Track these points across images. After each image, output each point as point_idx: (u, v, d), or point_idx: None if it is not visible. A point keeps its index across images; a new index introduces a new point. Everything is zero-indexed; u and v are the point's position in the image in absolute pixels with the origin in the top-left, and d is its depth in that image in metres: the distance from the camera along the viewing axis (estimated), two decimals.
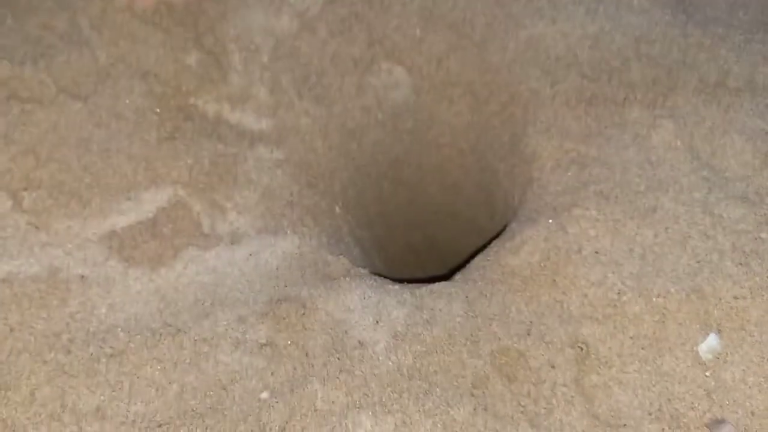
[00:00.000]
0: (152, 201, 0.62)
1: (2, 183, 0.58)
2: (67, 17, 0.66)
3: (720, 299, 0.56)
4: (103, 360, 0.53)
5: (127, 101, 0.65)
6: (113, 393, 0.52)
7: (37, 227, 0.58)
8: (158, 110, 0.65)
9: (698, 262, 0.58)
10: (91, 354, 0.53)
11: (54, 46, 0.64)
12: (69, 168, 0.61)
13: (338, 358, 0.56)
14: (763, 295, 0.56)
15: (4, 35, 0.65)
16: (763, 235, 0.59)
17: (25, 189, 0.59)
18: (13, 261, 0.56)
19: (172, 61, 0.68)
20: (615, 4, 0.73)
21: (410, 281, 0.67)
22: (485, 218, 0.85)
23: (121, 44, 0.66)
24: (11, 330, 0.53)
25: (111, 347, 0.53)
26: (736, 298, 0.56)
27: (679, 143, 0.65)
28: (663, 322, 0.56)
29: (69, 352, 0.53)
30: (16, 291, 0.55)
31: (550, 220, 0.61)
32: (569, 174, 0.65)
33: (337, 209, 0.74)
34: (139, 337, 0.54)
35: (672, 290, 0.57)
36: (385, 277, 0.69)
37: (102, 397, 0.51)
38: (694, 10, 0.76)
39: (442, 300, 0.60)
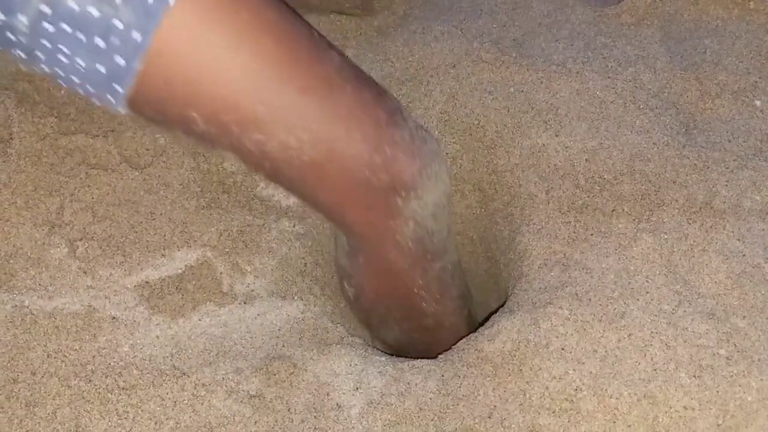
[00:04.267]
0: (183, 259, 0.73)
1: (63, 233, 0.70)
2: None
3: (670, 407, 0.60)
4: (116, 391, 0.62)
5: (176, 174, 0.77)
6: (119, 421, 0.61)
7: (85, 272, 0.70)
8: (201, 183, 0.77)
9: (654, 369, 0.62)
10: (107, 385, 0.62)
11: (124, 123, 0.77)
12: (118, 225, 0.72)
13: (315, 417, 0.63)
14: (710, 409, 0.59)
15: (87, 112, 0.78)
16: (722, 352, 0.63)
17: (80, 240, 0.71)
18: (60, 298, 0.68)
19: None
20: (617, 123, 0.80)
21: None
22: (495, 302, 0.91)
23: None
24: (48, 356, 0.64)
25: (124, 381, 0.63)
26: (685, 408, 0.60)
27: (657, 257, 0.70)
28: (614, 422, 0.60)
29: (90, 381, 0.63)
30: (58, 324, 0.66)
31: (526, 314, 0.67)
32: (552, 274, 0.71)
33: None
34: (149, 375, 0.64)
35: (625, 393, 0.61)
36: (380, 349, 0.76)
37: (109, 423, 0.61)
38: (697, 133, 0.82)
39: (420, 375, 0.67)
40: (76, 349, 0.65)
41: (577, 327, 0.65)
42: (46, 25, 0.56)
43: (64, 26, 0.56)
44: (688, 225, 0.72)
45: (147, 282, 0.71)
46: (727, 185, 0.75)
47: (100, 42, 0.56)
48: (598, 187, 0.75)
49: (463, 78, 0.84)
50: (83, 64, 0.57)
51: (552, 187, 0.76)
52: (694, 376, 0.61)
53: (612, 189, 0.75)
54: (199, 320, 0.69)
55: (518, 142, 0.79)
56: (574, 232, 0.73)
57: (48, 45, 0.58)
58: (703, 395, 0.60)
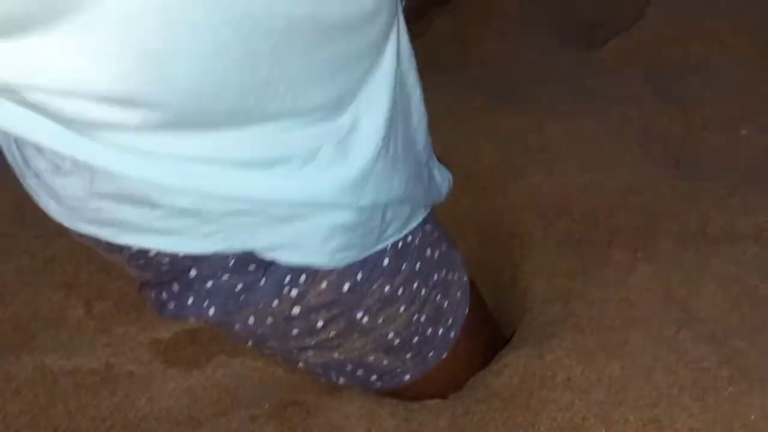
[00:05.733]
0: None
1: (79, 294, 0.73)
2: None
3: (676, 430, 0.61)
4: None
5: None
6: None
7: (101, 331, 0.72)
8: None
9: (659, 394, 0.63)
10: None
11: None
12: (132, 284, 0.75)
13: None
14: (716, 430, 0.60)
15: None
16: (723, 373, 0.64)
17: (97, 299, 0.74)
18: (79, 357, 0.70)
19: None
20: (608, 159, 0.83)
21: None
22: None
23: None
24: (69, 413, 0.66)
25: None
26: (691, 430, 0.61)
27: (655, 284, 0.72)
28: None
29: None
30: (78, 381, 0.68)
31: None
32: (554, 307, 0.73)
33: None
34: (166, 426, 0.65)
35: (631, 418, 0.62)
36: None
37: None
38: (687, 164, 0.84)
39: (431, 415, 0.68)
40: (95, 405, 0.67)
41: (581, 357, 0.67)
42: (335, 359, 0.61)
43: (349, 366, 0.63)
44: (684, 252, 0.74)
45: (161, 337, 0.73)
46: (719, 212, 0.77)
47: (374, 380, 0.65)
48: (594, 221, 0.78)
49: (458, 124, 0.88)
50: (339, 378, 0.64)
51: (549, 224, 0.78)
52: (698, 399, 0.62)
53: (607, 222, 0.77)
54: (213, 371, 0.71)
55: (514, 183, 0.82)
56: (573, 266, 0.75)
57: (308, 362, 0.63)
58: (707, 417, 0.61)
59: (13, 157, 0.52)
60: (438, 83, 0.94)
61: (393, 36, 0.49)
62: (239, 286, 0.53)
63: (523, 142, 0.86)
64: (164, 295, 0.55)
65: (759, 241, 0.74)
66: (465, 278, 0.67)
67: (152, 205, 0.46)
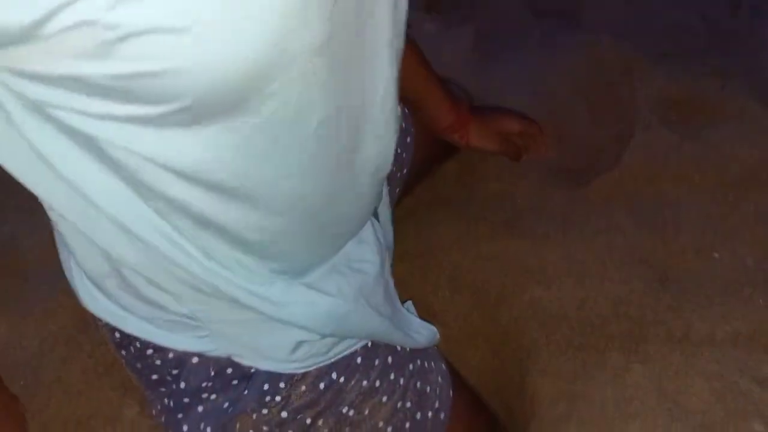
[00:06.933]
0: None
1: (134, 395, 0.81)
2: None
3: None
4: None
5: None
6: None
7: (154, 429, 0.80)
8: None
9: None
10: None
11: None
12: None
13: None
14: None
15: None
16: None
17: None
18: None
19: None
20: (599, 277, 0.94)
21: None
22: None
23: None
24: None
25: None
26: None
27: (648, 383, 0.81)
28: None
29: None
30: None
31: None
32: (560, 407, 0.81)
33: None
34: None
35: None
36: None
37: None
38: (669, 281, 0.96)
39: None
40: None
41: None
42: None
43: None
44: (672, 354, 0.84)
45: None
46: (700, 320, 0.88)
47: None
48: (590, 329, 0.88)
49: (466, 250, 1.01)
50: None
51: (550, 333, 0.89)
52: None
53: (602, 330, 0.88)
54: None
55: (518, 298, 0.94)
56: (575, 369, 0.84)
57: None
58: None
59: (62, 255, 0.64)
60: (447, 217, 1.08)
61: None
62: (226, 404, 0.62)
63: (523, 264, 0.98)
64: (164, 420, 0.64)
65: (737, 346, 0.84)
66: (443, 365, 0.74)
67: (162, 308, 0.58)
